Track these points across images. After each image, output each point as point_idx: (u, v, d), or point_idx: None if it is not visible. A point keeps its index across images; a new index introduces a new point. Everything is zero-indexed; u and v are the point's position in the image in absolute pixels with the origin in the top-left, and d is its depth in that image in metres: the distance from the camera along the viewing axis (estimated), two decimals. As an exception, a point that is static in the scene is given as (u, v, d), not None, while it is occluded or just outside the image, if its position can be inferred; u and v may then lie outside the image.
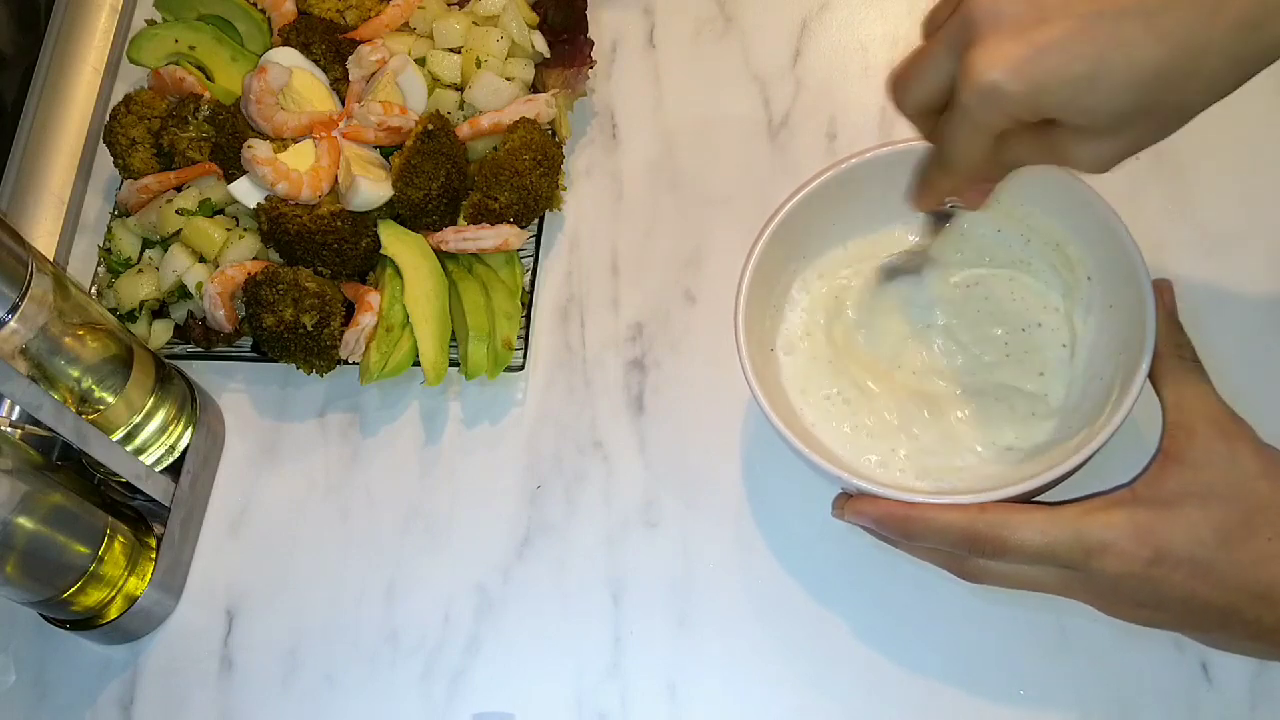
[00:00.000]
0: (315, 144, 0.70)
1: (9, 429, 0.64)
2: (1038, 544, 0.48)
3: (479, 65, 0.72)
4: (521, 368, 0.68)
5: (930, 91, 0.48)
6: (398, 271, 0.69)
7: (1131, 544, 0.47)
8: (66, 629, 0.64)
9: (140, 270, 0.71)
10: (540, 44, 0.74)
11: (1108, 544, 0.47)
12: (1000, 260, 0.61)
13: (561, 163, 0.71)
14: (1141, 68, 0.41)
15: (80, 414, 0.61)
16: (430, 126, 0.68)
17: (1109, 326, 0.57)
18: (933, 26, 0.48)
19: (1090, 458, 0.51)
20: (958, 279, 0.61)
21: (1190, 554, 0.46)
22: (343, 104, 0.73)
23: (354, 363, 0.68)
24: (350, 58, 0.73)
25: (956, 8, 0.46)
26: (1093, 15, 0.42)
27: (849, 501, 0.53)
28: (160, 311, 0.72)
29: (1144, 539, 0.47)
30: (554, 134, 0.72)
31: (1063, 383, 0.58)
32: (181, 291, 0.70)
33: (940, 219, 0.59)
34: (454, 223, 0.70)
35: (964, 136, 0.46)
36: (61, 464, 0.68)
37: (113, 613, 0.63)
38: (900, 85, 0.49)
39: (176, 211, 0.70)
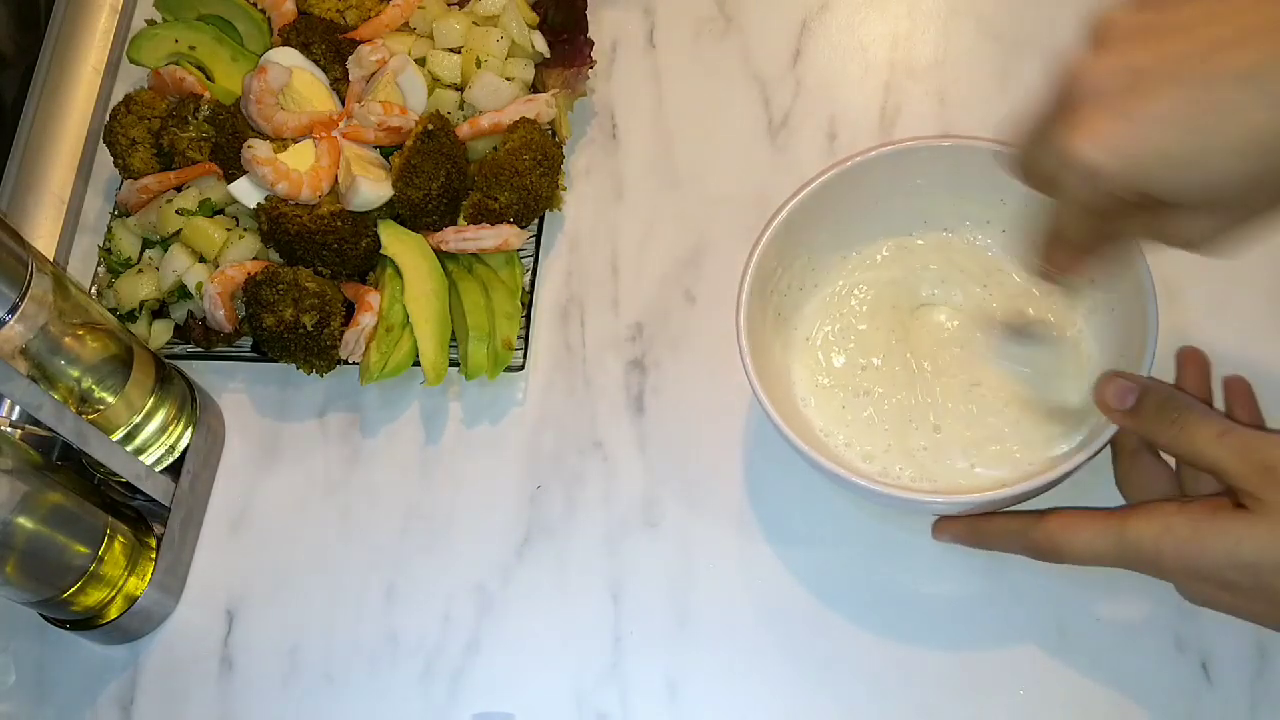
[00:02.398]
0: (315, 144, 0.70)
1: (9, 429, 0.64)
2: (1089, 552, 0.51)
3: (479, 65, 0.72)
4: (521, 368, 0.68)
5: (1045, 168, 0.46)
6: (398, 271, 0.69)
7: (1174, 553, 0.48)
8: (66, 629, 0.64)
9: (140, 270, 0.71)
10: (540, 44, 0.74)
11: (1153, 550, 0.49)
12: (1005, 263, 0.61)
13: (561, 163, 0.71)
14: (1252, 138, 0.39)
15: (80, 414, 0.61)
16: (430, 126, 0.68)
17: (1111, 331, 0.57)
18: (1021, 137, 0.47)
19: (1092, 458, 0.52)
20: (966, 281, 0.61)
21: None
22: (343, 104, 0.73)
23: (354, 363, 0.68)
24: (350, 58, 0.73)
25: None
26: (1200, 83, 0.40)
27: (935, 524, 0.58)
28: (160, 311, 0.72)
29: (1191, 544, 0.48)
30: (554, 134, 0.72)
31: (1067, 385, 0.58)
32: (181, 291, 0.70)
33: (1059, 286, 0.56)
34: (454, 223, 0.70)
35: (1067, 215, 0.45)
36: (61, 464, 0.67)
37: (113, 613, 0.63)
38: (1016, 161, 0.48)
39: (176, 211, 0.70)
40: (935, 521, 0.58)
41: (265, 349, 0.68)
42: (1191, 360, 0.57)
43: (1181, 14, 0.41)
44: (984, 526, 0.56)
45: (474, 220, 0.69)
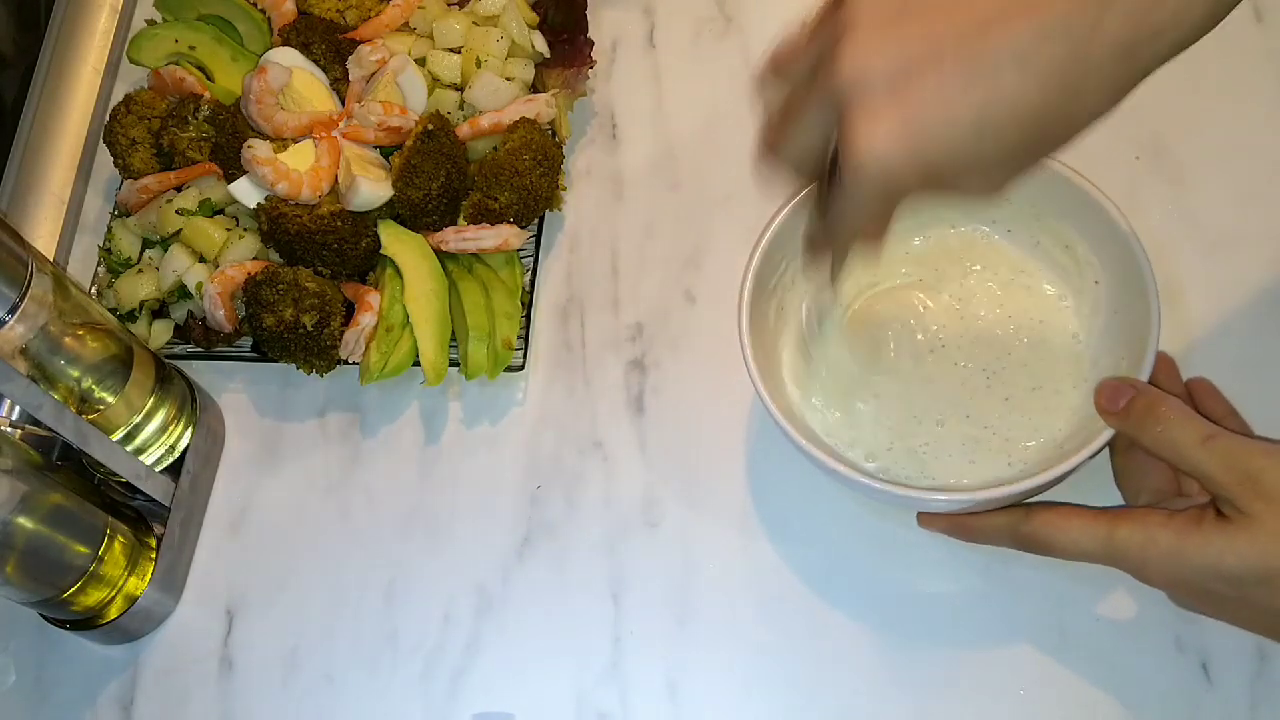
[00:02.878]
0: (315, 144, 0.70)
1: (9, 429, 0.64)
2: (1076, 549, 0.51)
3: (479, 65, 0.72)
4: (521, 368, 0.68)
5: (808, 152, 0.46)
6: (398, 271, 0.69)
7: (1157, 565, 0.49)
8: (66, 629, 0.64)
9: (140, 270, 0.71)
10: (540, 44, 0.74)
11: (1138, 558, 0.49)
12: (1010, 262, 0.61)
13: (561, 163, 0.71)
14: (1024, 113, 0.40)
15: (80, 414, 0.61)
16: (430, 126, 0.68)
17: (1113, 331, 0.57)
18: (781, 69, 0.46)
19: (1091, 457, 0.52)
20: (969, 279, 0.61)
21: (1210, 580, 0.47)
22: (343, 104, 0.73)
23: (354, 363, 0.68)
24: (350, 58, 0.73)
25: (811, 55, 0.44)
26: (966, 68, 0.40)
27: (921, 515, 0.58)
28: (160, 311, 0.72)
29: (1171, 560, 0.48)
30: (554, 134, 0.72)
31: (1068, 385, 0.58)
32: (181, 291, 0.70)
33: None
34: (454, 223, 0.70)
35: (854, 212, 0.45)
36: (61, 464, 0.67)
37: (113, 613, 0.63)
38: (772, 149, 0.47)
39: (176, 211, 0.70)
40: (920, 511, 0.58)
41: (265, 349, 0.68)
42: (1160, 365, 0.57)
43: None
44: (971, 520, 0.56)
45: (474, 220, 0.69)
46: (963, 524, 0.56)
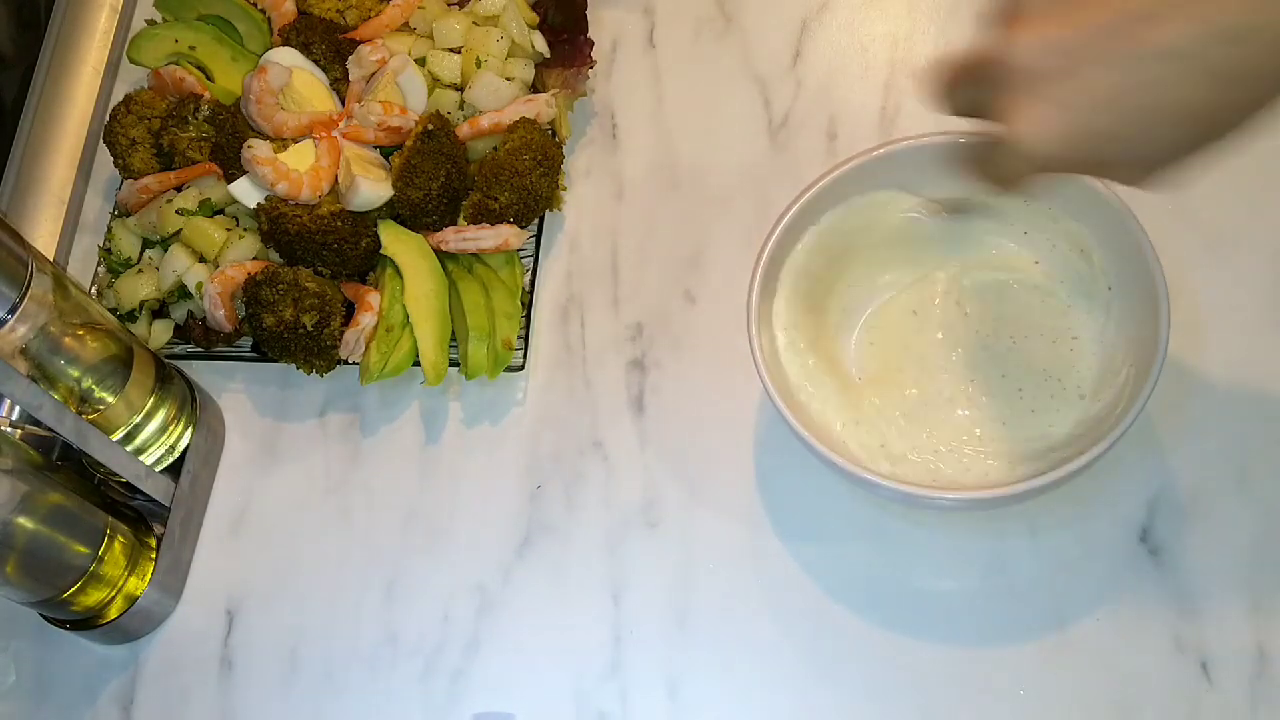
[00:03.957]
0: (315, 144, 0.70)
1: (9, 429, 0.64)
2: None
3: (479, 65, 0.72)
4: (521, 368, 0.68)
5: (970, 106, 0.47)
6: (398, 271, 0.69)
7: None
8: (66, 629, 0.64)
9: (140, 270, 0.71)
10: (540, 44, 0.74)
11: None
12: (1024, 262, 0.61)
13: (561, 163, 0.71)
14: (1182, 109, 0.40)
15: (80, 414, 0.61)
16: (430, 126, 0.68)
17: (1122, 338, 0.57)
18: (949, 80, 0.47)
19: (1095, 460, 0.52)
20: (978, 279, 0.61)
21: None
22: (343, 104, 0.73)
23: (354, 363, 0.68)
24: (350, 58, 0.73)
25: (978, 63, 0.45)
26: (1130, 63, 0.40)
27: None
28: (160, 311, 0.72)
29: None
30: (554, 134, 0.72)
31: (1076, 387, 0.58)
32: (181, 291, 0.70)
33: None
34: (454, 223, 0.70)
35: (1005, 175, 0.46)
36: (61, 464, 0.67)
37: (113, 613, 0.63)
38: (940, 91, 0.48)
39: (176, 211, 0.70)
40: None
41: (265, 349, 0.68)
42: None
43: None
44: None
45: (474, 220, 0.69)
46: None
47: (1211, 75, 0.40)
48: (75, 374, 0.63)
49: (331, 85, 0.74)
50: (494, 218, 0.69)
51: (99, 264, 0.75)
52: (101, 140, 0.76)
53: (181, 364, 0.70)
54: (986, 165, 0.48)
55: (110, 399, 0.64)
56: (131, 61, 0.78)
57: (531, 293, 0.70)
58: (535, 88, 0.74)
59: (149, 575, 0.64)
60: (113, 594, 0.63)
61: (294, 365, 0.68)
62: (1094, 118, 0.41)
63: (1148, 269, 0.54)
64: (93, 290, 0.73)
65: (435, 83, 0.73)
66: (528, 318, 0.69)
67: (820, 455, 0.54)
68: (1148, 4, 0.40)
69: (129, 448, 0.65)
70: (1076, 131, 0.42)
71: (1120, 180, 0.46)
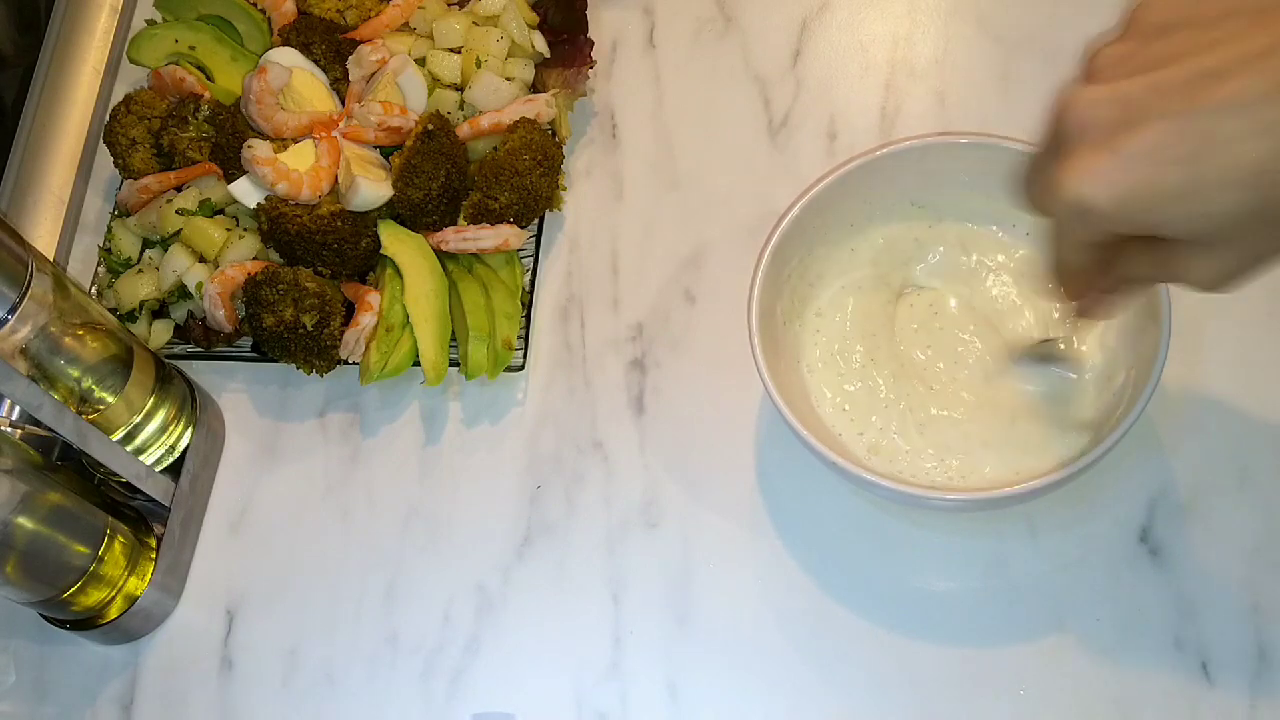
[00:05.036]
0: (315, 144, 0.70)
1: (9, 429, 0.64)
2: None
3: (479, 65, 0.72)
4: (521, 368, 0.68)
5: (1045, 202, 0.45)
6: (398, 271, 0.69)
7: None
8: (66, 629, 0.64)
9: (140, 270, 0.71)
10: (540, 44, 0.74)
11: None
12: (1029, 267, 0.61)
13: (561, 163, 0.71)
14: (1245, 169, 0.37)
15: (80, 414, 0.61)
16: (430, 126, 0.68)
17: (1123, 345, 0.57)
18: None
19: (1095, 462, 0.52)
20: (981, 280, 0.61)
21: None
22: (343, 104, 0.73)
23: (354, 363, 0.68)
24: (350, 58, 0.73)
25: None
26: (1189, 113, 0.38)
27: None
28: (160, 311, 0.72)
29: None
30: (554, 134, 0.72)
31: (1079, 388, 0.58)
32: (181, 291, 0.70)
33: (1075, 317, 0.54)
34: (454, 223, 0.70)
35: (1063, 246, 0.44)
36: (61, 464, 0.67)
37: (113, 613, 0.63)
38: (1021, 194, 0.47)
39: (176, 211, 0.70)
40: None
41: (265, 349, 0.68)
42: None
43: (1171, 42, 0.40)
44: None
45: (474, 220, 0.69)
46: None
47: (1270, 131, 0.37)
48: (75, 374, 0.63)
49: (331, 85, 0.74)
50: (494, 218, 0.69)
51: (99, 264, 0.75)
52: (101, 140, 0.76)
53: (181, 364, 0.70)
54: (1034, 203, 0.46)
55: (110, 399, 0.64)
56: (131, 61, 0.78)
57: (531, 293, 0.70)
58: (535, 88, 0.74)
59: (149, 575, 0.64)
60: (113, 594, 0.63)
61: (294, 365, 0.68)
62: (1152, 171, 0.38)
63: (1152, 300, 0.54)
64: (93, 290, 0.73)
65: (435, 83, 0.73)
66: (528, 318, 0.69)
67: (820, 455, 0.54)
68: (1218, 62, 0.38)
69: (129, 448, 0.65)
70: (1122, 179, 0.39)
71: (1186, 271, 0.42)
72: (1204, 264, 0.41)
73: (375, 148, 0.72)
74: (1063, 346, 0.58)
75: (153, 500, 0.65)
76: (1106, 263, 0.44)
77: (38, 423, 0.57)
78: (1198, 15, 0.40)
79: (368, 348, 0.68)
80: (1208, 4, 0.40)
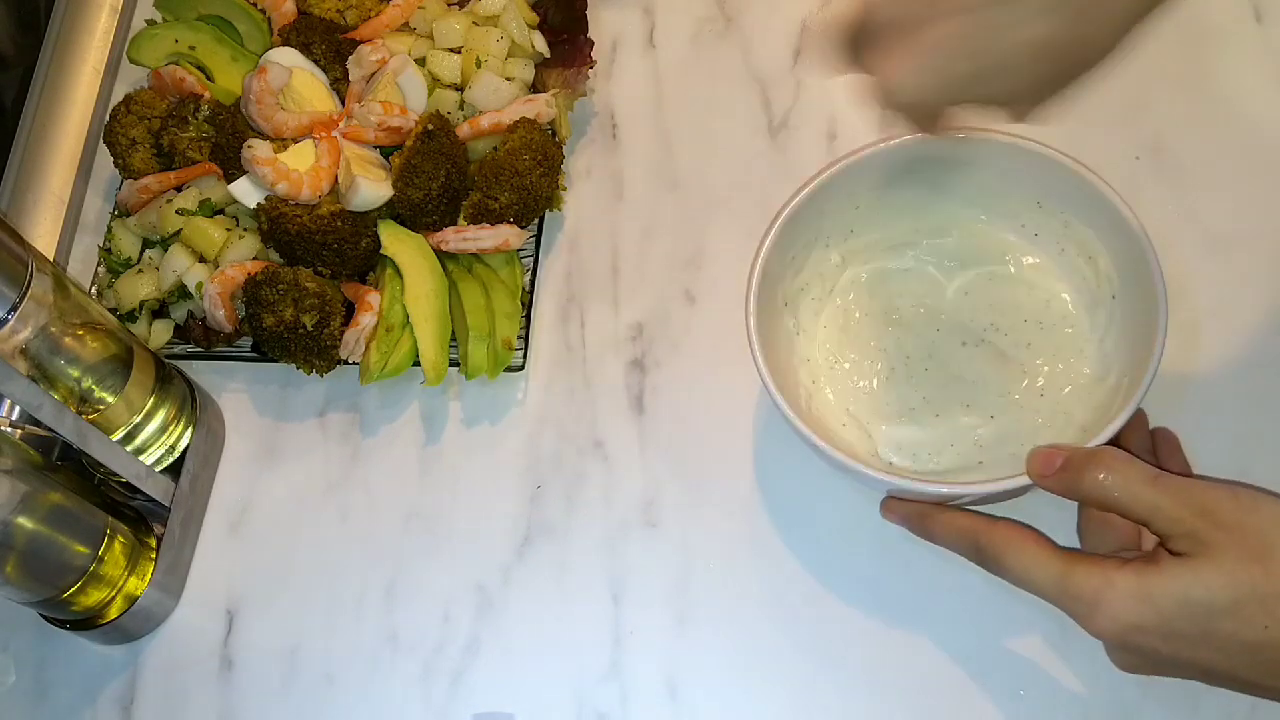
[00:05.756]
0: (315, 144, 0.70)
1: (9, 429, 0.64)
2: (1024, 576, 0.50)
3: (479, 65, 0.72)
4: (521, 368, 0.68)
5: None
6: (398, 271, 0.69)
7: (1116, 608, 0.47)
8: (66, 629, 0.64)
9: (140, 270, 0.71)
10: (540, 44, 0.74)
11: (1091, 599, 0.48)
12: (1033, 265, 0.61)
13: (561, 163, 0.71)
14: (1043, 45, 0.43)
15: (80, 414, 0.61)
16: (430, 126, 0.68)
17: (1120, 349, 0.57)
18: None
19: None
20: (982, 280, 0.61)
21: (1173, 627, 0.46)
22: (343, 104, 0.73)
23: (354, 363, 0.68)
24: (350, 58, 0.73)
25: None
26: (981, 9, 0.43)
27: (884, 502, 0.57)
28: (160, 311, 0.72)
29: (1129, 606, 0.47)
30: (554, 134, 0.72)
31: (1070, 393, 0.58)
32: (181, 291, 0.70)
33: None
34: (454, 223, 0.70)
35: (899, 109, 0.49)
36: (61, 464, 0.67)
37: (113, 613, 0.63)
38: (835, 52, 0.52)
39: (176, 211, 0.70)
40: (884, 499, 0.57)
41: (265, 349, 0.68)
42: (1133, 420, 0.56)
43: None
44: (936, 516, 0.55)
45: (474, 220, 0.69)
46: (925, 518, 0.55)
47: (1055, 12, 0.42)
48: (75, 374, 0.63)
49: (331, 85, 0.74)
50: (494, 218, 0.69)
51: (99, 264, 0.75)
52: (101, 140, 0.76)
53: (181, 364, 0.70)
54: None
55: (110, 399, 0.64)
56: (131, 61, 0.78)
57: (531, 293, 0.70)
58: (535, 88, 0.74)
59: (149, 575, 0.64)
60: (113, 594, 0.63)
61: (294, 365, 0.68)
62: (950, 62, 0.44)
63: (1150, 280, 0.54)
64: (93, 290, 0.73)
65: (435, 83, 0.73)
66: (528, 318, 0.69)
67: (821, 452, 0.54)
68: None
69: (129, 448, 0.65)
70: (935, 75, 0.44)
71: (1002, 117, 0.47)
72: (1009, 114, 0.47)
73: (375, 148, 0.72)
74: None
75: (153, 500, 0.65)
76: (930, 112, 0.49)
77: (38, 423, 0.57)
78: None
79: (368, 348, 0.68)
80: None
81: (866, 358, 0.61)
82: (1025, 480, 0.51)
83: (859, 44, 0.48)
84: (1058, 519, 0.59)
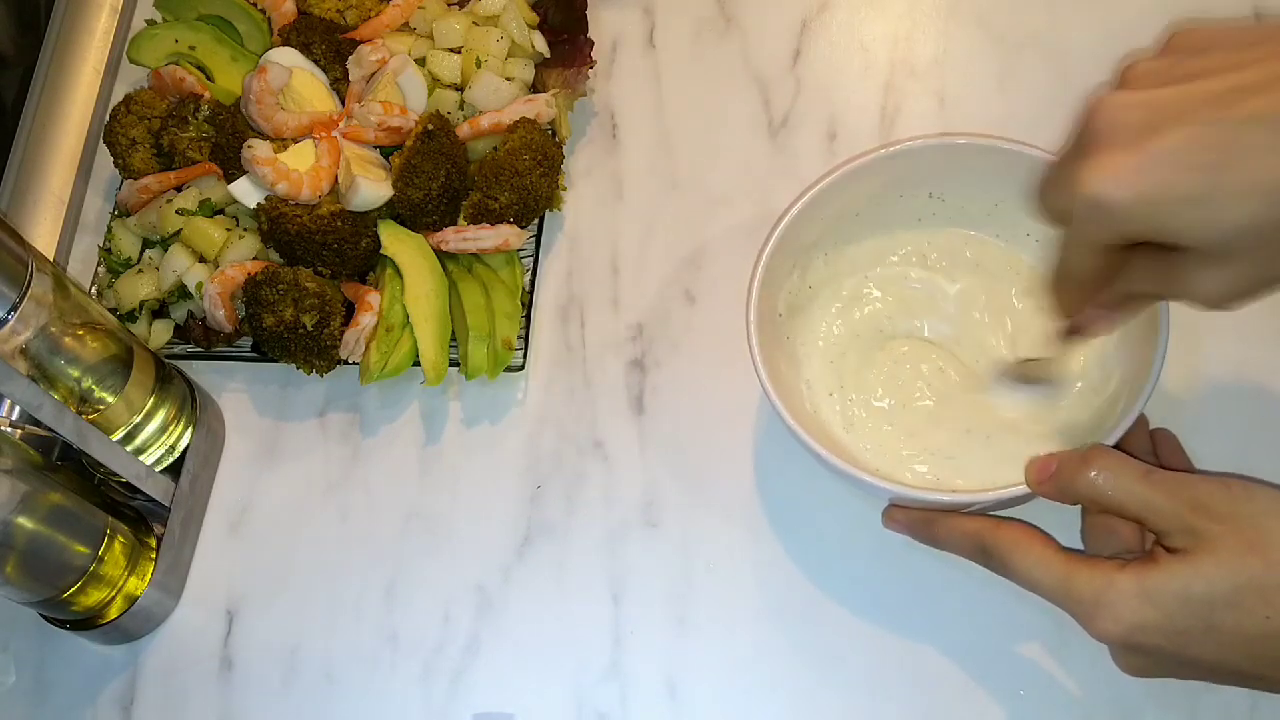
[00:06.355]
0: (315, 144, 0.70)
1: (9, 429, 0.64)
2: (1029, 577, 0.50)
3: (479, 65, 0.72)
4: (521, 368, 0.68)
5: (1062, 205, 0.45)
6: (398, 271, 0.69)
7: (1118, 609, 0.46)
8: (66, 629, 0.64)
9: (140, 270, 0.71)
10: (540, 44, 0.74)
11: (1093, 601, 0.47)
12: (1031, 275, 0.61)
13: (561, 163, 0.71)
14: (1266, 180, 0.38)
15: (80, 414, 0.61)
16: (430, 126, 0.68)
17: (1120, 360, 0.57)
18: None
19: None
20: (984, 287, 0.61)
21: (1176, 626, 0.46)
22: (343, 104, 0.73)
23: (354, 363, 0.68)
24: (350, 58, 0.73)
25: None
26: (1214, 122, 0.39)
27: (887, 511, 0.56)
28: (160, 311, 0.72)
29: (1128, 608, 0.46)
30: (554, 134, 0.72)
31: (1076, 395, 0.58)
32: (181, 291, 0.70)
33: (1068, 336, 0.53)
34: (454, 223, 0.70)
35: (1073, 249, 0.44)
36: (61, 464, 0.67)
37: (113, 613, 0.63)
38: (1038, 197, 0.47)
39: (176, 211, 0.70)
40: (886, 509, 0.57)
41: (265, 349, 0.68)
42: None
43: (1205, 59, 0.41)
44: (941, 521, 0.54)
45: (474, 220, 0.69)
46: (931, 524, 0.55)
47: None
48: (75, 374, 0.63)
49: (331, 85, 0.74)
50: (494, 218, 0.69)
51: (99, 264, 0.75)
52: (101, 140, 0.76)
53: (181, 364, 0.70)
54: (1060, 249, 0.46)
55: (110, 399, 0.64)
56: (131, 61, 0.78)
57: (531, 293, 0.70)
58: (535, 88, 0.74)
59: (149, 575, 0.64)
60: (113, 594, 0.63)
61: (294, 365, 0.68)
62: (1173, 173, 0.39)
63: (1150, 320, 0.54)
64: (93, 290, 0.73)
65: (435, 83, 0.73)
66: (528, 318, 0.69)
67: (819, 456, 0.54)
68: (1254, 79, 0.39)
69: (129, 448, 0.65)
70: (1141, 177, 0.39)
71: (1189, 284, 0.42)
72: (1211, 277, 0.42)
73: (375, 148, 0.72)
74: (1049, 366, 0.58)
75: (153, 500, 0.65)
76: (1110, 274, 0.45)
77: (38, 423, 0.57)
78: (1233, 40, 0.42)
79: (368, 348, 0.68)
80: (1244, 32, 0.42)
81: (867, 366, 0.61)
82: (1025, 489, 0.51)
83: (1070, 159, 0.43)
84: (1059, 521, 0.59)
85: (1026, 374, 0.59)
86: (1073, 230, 0.44)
